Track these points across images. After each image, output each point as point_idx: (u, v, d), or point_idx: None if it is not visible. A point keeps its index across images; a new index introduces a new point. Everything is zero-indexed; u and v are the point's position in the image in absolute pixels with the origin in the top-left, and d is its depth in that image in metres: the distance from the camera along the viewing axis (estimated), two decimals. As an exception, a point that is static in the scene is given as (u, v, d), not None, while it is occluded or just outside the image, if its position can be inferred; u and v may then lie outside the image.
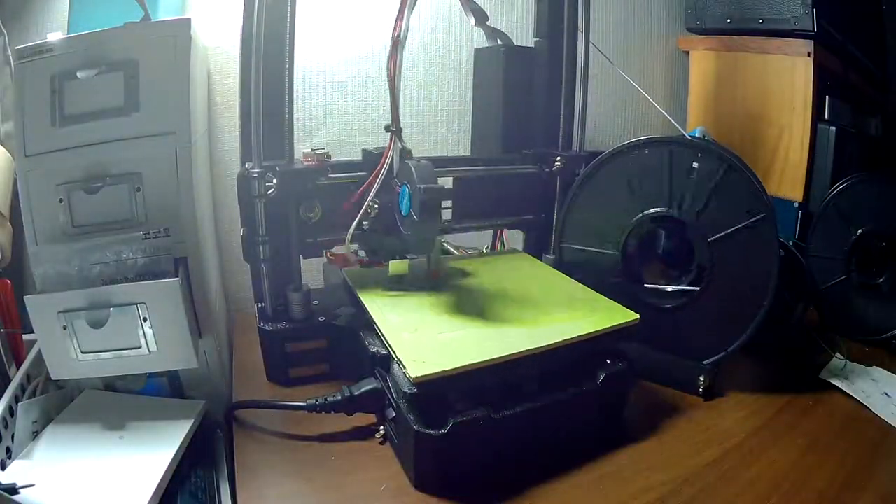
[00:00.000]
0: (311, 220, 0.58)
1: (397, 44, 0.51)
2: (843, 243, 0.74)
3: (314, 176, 0.56)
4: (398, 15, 0.51)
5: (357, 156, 0.81)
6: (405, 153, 0.54)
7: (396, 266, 0.58)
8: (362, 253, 0.61)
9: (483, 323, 0.50)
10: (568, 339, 0.47)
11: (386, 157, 0.54)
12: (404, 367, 0.43)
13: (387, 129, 0.53)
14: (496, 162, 0.70)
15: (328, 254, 0.59)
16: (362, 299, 0.54)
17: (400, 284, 0.57)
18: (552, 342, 0.47)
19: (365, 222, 0.56)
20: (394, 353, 0.45)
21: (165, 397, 0.55)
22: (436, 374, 0.42)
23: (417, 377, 0.41)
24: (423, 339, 0.47)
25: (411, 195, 0.50)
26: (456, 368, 0.42)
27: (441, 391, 0.43)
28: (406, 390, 0.42)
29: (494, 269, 0.64)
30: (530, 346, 0.46)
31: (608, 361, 0.50)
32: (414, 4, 0.51)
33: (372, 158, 0.57)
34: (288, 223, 0.56)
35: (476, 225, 0.69)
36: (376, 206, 0.55)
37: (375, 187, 0.54)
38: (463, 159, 0.75)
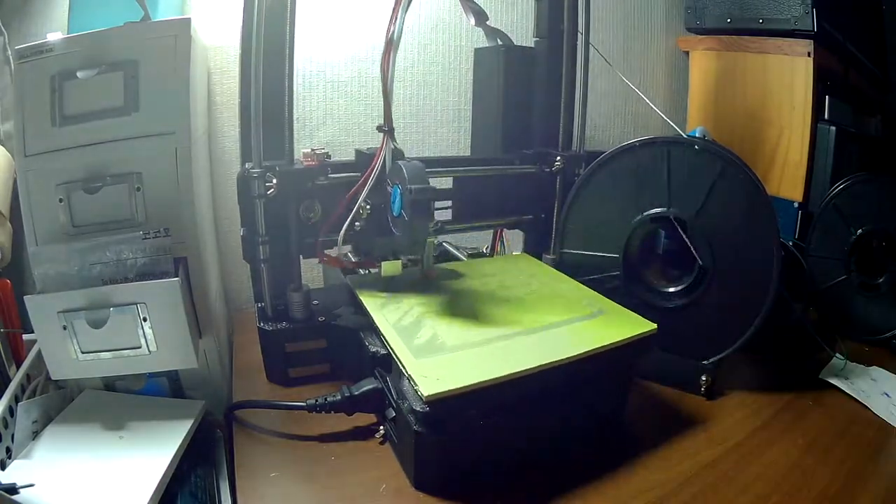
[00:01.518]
0: (310, 219, 0.58)
1: (390, 44, 0.51)
2: (843, 243, 0.74)
3: (314, 176, 0.56)
4: (392, 15, 0.51)
5: (357, 156, 0.80)
6: (397, 153, 0.53)
7: (389, 267, 0.57)
8: (352, 255, 0.61)
9: (495, 333, 0.48)
10: (586, 352, 0.45)
11: (378, 158, 0.54)
12: (416, 385, 0.41)
13: (379, 128, 0.53)
14: (496, 162, 0.70)
15: (321, 255, 0.60)
16: (371, 313, 0.52)
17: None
18: (569, 355, 0.44)
19: (357, 223, 0.55)
20: (404, 368, 0.43)
21: (165, 397, 0.55)
22: (449, 391, 0.40)
23: (430, 395, 0.39)
24: (433, 350, 0.45)
25: (402, 196, 0.50)
26: (469, 386, 0.40)
27: (453, 409, 0.41)
28: (418, 408, 0.41)
29: (498, 271, 0.63)
30: (546, 360, 0.43)
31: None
32: (408, 5, 0.51)
33: (365, 159, 0.57)
34: (288, 223, 0.56)
35: (476, 225, 0.69)
36: (368, 206, 0.54)
37: (367, 188, 0.54)
38: (463, 159, 0.75)
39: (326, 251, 0.58)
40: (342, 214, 0.55)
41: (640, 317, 0.52)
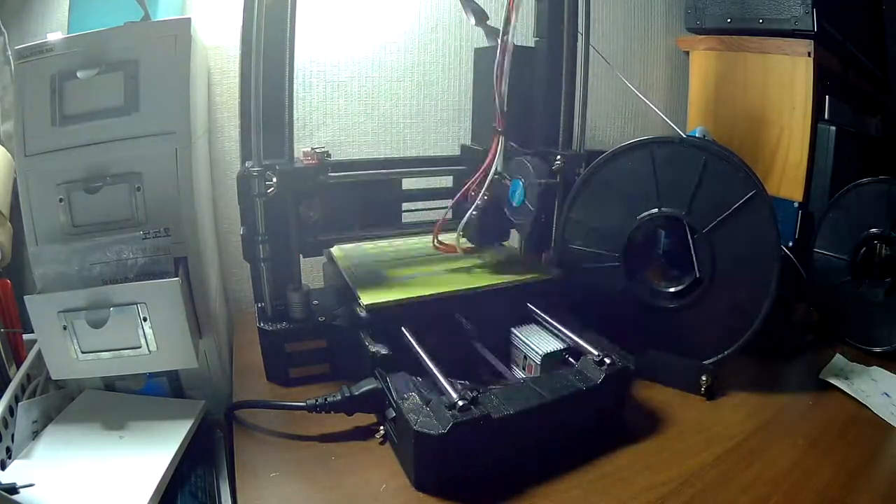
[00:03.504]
0: (310, 219, 0.58)
1: (506, 49, 0.55)
2: (849, 244, 0.73)
3: (314, 175, 0.56)
4: (506, 21, 0.55)
5: (357, 155, 0.82)
6: (512, 150, 0.59)
7: (493, 253, 0.66)
8: (464, 241, 0.66)
9: (430, 278, 0.60)
10: (486, 285, 0.59)
11: (494, 154, 0.59)
12: (359, 300, 0.54)
13: (494, 130, 0.58)
14: (463, 161, 0.69)
15: (436, 242, 0.65)
16: (339, 264, 0.63)
17: (395, 257, 0.67)
18: (472, 286, 0.58)
19: (474, 212, 0.61)
20: (355, 293, 0.56)
21: (165, 397, 0.55)
22: (381, 303, 0.54)
23: (368, 304, 0.53)
24: (378, 283, 0.58)
25: (526, 188, 0.56)
26: (396, 300, 0.54)
27: (388, 319, 0.53)
28: (363, 315, 0.53)
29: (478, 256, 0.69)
30: (452, 287, 0.58)
31: (608, 361, 0.49)
32: (519, 6, 0.54)
33: (473, 154, 0.64)
34: (287, 222, 0.56)
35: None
36: (486, 197, 0.60)
37: (488, 180, 0.59)
38: (462, 158, 0.75)
39: (441, 238, 0.65)
40: (461, 203, 0.63)
41: (549, 271, 0.63)
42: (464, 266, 0.64)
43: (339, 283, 0.62)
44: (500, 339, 0.58)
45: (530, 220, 0.57)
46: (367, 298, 0.54)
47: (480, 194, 0.60)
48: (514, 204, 0.58)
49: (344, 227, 0.64)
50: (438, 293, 0.57)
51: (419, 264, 0.65)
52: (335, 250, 0.68)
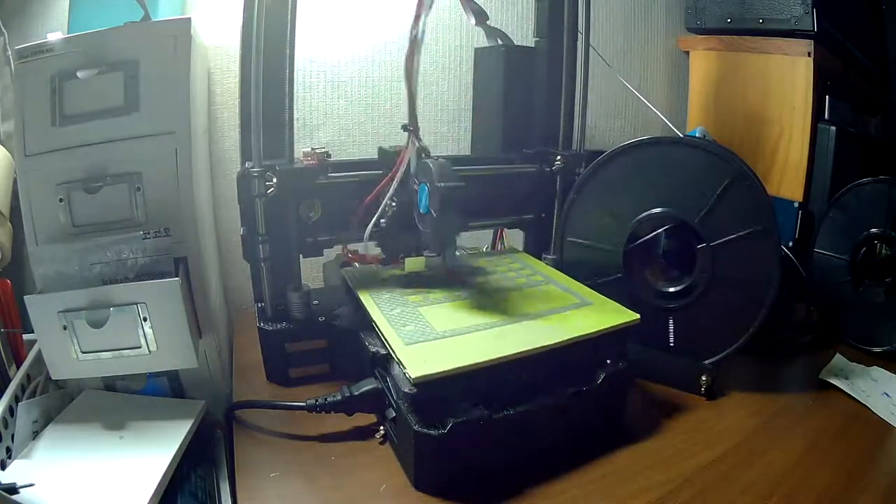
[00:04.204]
0: (310, 219, 0.58)
1: (415, 43, 0.51)
2: (849, 244, 0.73)
3: (314, 175, 0.56)
4: (416, 13, 0.51)
5: (357, 155, 0.81)
6: (422, 152, 0.54)
7: (412, 263, 0.58)
8: (377, 250, 0.62)
9: (483, 321, 0.49)
10: (569, 339, 0.47)
11: (404, 156, 0.54)
12: (404, 368, 0.42)
13: (404, 128, 0.54)
14: (496, 161, 0.70)
15: (346, 251, 0.60)
16: (361, 299, 0.53)
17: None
18: (553, 342, 0.46)
19: (382, 220, 0.56)
20: (393, 352, 0.45)
21: (165, 397, 0.55)
22: (436, 374, 0.42)
23: (418, 377, 0.41)
24: (423, 337, 0.46)
25: (430, 193, 0.50)
26: (456, 369, 0.42)
27: (441, 392, 0.42)
28: (406, 390, 0.42)
29: (495, 267, 0.63)
30: (531, 345, 0.45)
31: (608, 361, 0.49)
32: (431, 4, 0.51)
33: (388, 156, 0.57)
34: (287, 222, 0.56)
35: (476, 224, 0.69)
36: (394, 204, 0.55)
37: (394, 185, 0.55)
38: (463, 159, 0.75)
39: (350, 247, 0.59)
40: (368, 210, 0.56)
41: (623, 307, 0.53)
42: (502, 295, 0.54)
43: (368, 325, 0.51)
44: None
45: (435, 229, 0.50)
46: (415, 368, 0.42)
47: (385, 201, 0.55)
48: (421, 211, 0.52)
49: (344, 228, 0.64)
50: (508, 355, 0.44)
51: (454, 299, 0.54)
52: (346, 273, 0.58)
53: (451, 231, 0.52)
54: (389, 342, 0.46)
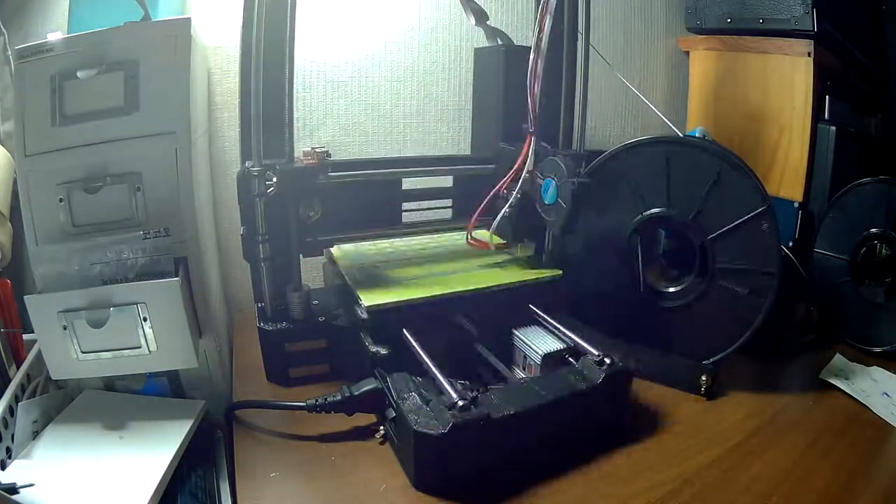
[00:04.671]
0: (311, 218, 0.58)
1: (538, 51, 0.55)
2: (849, 244, 0.73)
3: (314, 174, 0.56)
4: (538, 22, 0.55)
5: (357, 155, 0.81)
6: (542, 150, 0.60)
7: (524, 249, 0.66)
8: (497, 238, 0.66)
9: (429, 276, 0.61)
10: (492, 286, 0.59)
11: (526, 154, 0.60)
12: (360, 300, 0.54)
13: (525, 130, 0.60)
14: (496, 160, 0.69)
15: (469, 238, 0.65)
16: (339, 265, 0.63)
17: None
18: (476, 287, 0.58)
19: (506, 210, 0.62)
20: (356, 294, 0.55)
21: (165, 397, 0.55)
22: (383, 304, 0.53)
23: (369, 306, 0.53)
24: (381, 285, 0.58)
25: (559, 187, 0.56)
26: (397, 301, 0.54)
27: (389, 320, 0.53)
28: (364, 316, 0.53)
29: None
30: (458, 288, 0.57)
31: (608, 361, 0.49)
32: (553, 10, 0.55)
33: (508, 154, 0.64)
34: (288, 222, 0.56)
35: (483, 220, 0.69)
36: (519, 196, 0.61)
37: (522, 179, 0.60)
38: (462, 158, 0.75)
39: (474, 235, 0.65)
40: (489, 204, 0.63)
41: (556, 269, 0.63)
42: (468, 266, 0.64)
43: (340, 284, 0.62)
44: (502, 341, 0.58)
45: (563, 216, 0.57)
46: (368, 299, 0.54)
47: (514, 193, 0.61)
48: (546, 202, 0.59)
49: (344, 227, 0.64)
50: (439, 294, 0.56)
51: (421, 265, 0.64)
52: (335, 250, 0.67)
53: (576, 219, 0.58)
54: (353, 288, 0.56)
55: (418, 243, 0.71)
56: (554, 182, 0.57)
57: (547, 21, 0.55)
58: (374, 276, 0.61)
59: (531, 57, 0.56)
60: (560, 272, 0.62)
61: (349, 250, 0.68)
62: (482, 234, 0.65)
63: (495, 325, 0.58)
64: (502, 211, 0.62)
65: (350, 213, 0.63)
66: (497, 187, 0.62)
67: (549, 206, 0.59)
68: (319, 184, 0.57)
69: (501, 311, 0.59)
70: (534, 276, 0.62)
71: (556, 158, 0.58)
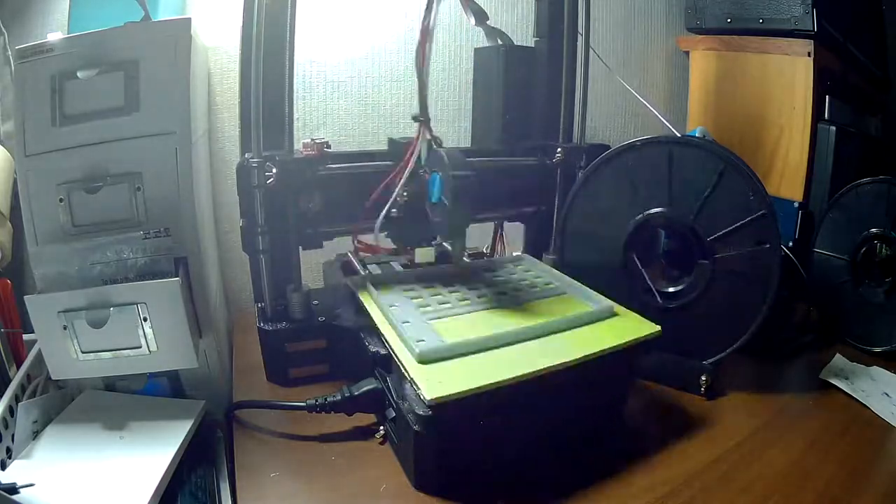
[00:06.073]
0: (310, 210, 0.58)
1: (426, 33, 0.51)
2: (849, 244, 0.73)
3: (314, 165, 0.56)
4: (427, 4, 0.51)
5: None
6: (434, 142, 0.54)
7: (423, 254, 0.59)
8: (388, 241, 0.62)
9: (498, 334, 0.46)
10: (592, 354, 0.45)
11: (415, 147, 0.54)
12: (418, 388, 0.40)
13: (415, 118, 0.54)
14: (496, 154, 0.69)
15: (356, 241, 0.60)
16: (370, 312, 0.51)
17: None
18: (576, 357, 0.44)
19: (394, 210, 0.56)
20: (406, 372, 0.42)
21: (165, 397, 0.55)
22: (451, 395, 0.39)
23: (433, 399, 0.39)
24: (437, 355, 0.43)
25: (443, 183, 0.50)
26: (471, 389, 0.40)
27: (456, 411, 0.40)
28: (421, 412, 0.40)
29: (508, 274, 0.61)
30: (551, 362, 0.43)
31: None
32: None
33: (398, 147, 0.57)
34: (287, 213, 0.56)
35: (477, 217, 0.69)
36: (405, 194, 0.55)
37: (405, 175, 0.54)
38: (463, 151, 0.74)
39: (361, 237, 0.59)
40: (377, 202, 0.56)
41: (643, 318, 0.52)
42: (518, 303, 0.53)
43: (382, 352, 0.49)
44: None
45: (445, 218, 0.51)
46: (431, 389, 0.39)
47: (396, 190, 0.55)
48: (432, 200, 0.53)
49: (344, 220, 0.63)
50: (527, 374, 0.42)
51: (471, 309, 0.52)
52: (362, 296, 0.54)
53: (464, 220, 0.52)
54: (401, 359, 0.43)
55: (438, 266, 0.61)
56: (439, 177, 0.51)
57: (435, 2, 0.51)
58: (423, 335, 0.45)
59: (418, 38, 0.51)
60: (659, 329, 0.50)
61: (371, 281, 0.55)
62: (370, 238, 0.59)
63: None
64: (384, 211, 0.55)
65: (350, 205, 0.63)
66: (383, 183, 0.56)
67: (434, 205, 0.53)
68: (319, 175, 0.56)
69: (597, 383, 0.48)
70: (635, 335, 0.48)
71: (439, 150, 0.52)
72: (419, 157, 0.54)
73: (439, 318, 0.50)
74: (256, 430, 0.50)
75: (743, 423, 0.54)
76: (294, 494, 0.44)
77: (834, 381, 0.61)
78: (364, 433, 0.50)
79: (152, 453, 0.46)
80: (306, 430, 0.50)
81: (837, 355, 0.68)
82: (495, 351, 0.45)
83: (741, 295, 0.57)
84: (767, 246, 0.55)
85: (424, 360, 0.43)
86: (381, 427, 0.49)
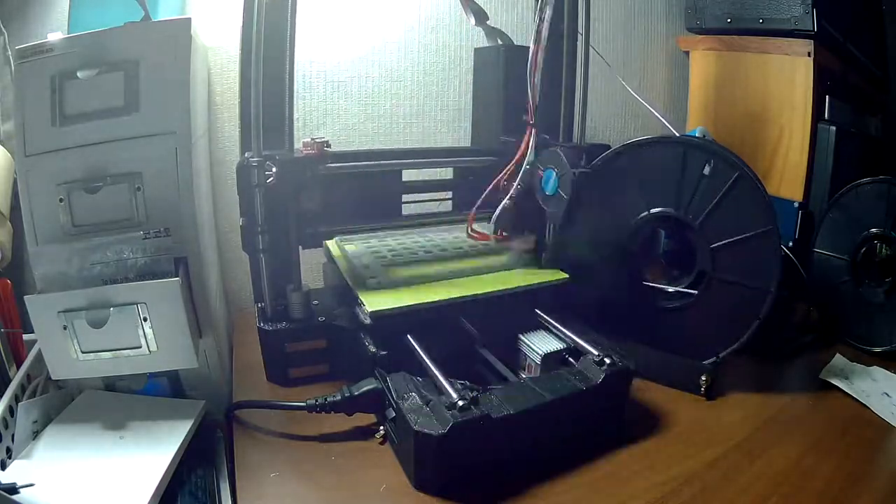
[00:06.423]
0: (310, 209, 0.58)
1: (539, 42, 0.56)
2: (849, 244, 0.73)
3: (314, 164, 0.56)
4: (539, 14, 0.56)
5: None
6: (543, 141, 0.61)
7: (525, 241, 0.66)
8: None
9: (426, 272, 0.60)
10: (497, 290, 0.58)
11: (526, 146, 0.61)
12: (363, 305, 0.53)
13: (526, 122, 0.60)
14: (496, 153, 0.69)
15: (470, 230, 0.66)
16: (338, 264, 0.62)
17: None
18: (483, 291, 0.57)
19: (508, 201, 0.62)
20: (357, 297, 0.55)
21: (165, 397, 0.55)
22: (385, 310, 0.52)
23: (373, 311, 0.52)
24: (384, 286, 0.57)
25: (559, 177, 0.57)
26: (401, 307, 0.53)
27: (393, 325, 0.52)
28: (367, 322, 0.52)
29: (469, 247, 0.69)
30: (462, 293, 0.56)
31: (608, 361, 0.49)
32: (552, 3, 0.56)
33: (510, 147, 0.64)
34: (287, 212, 0.56)
35: (478, 216, 0.69)
36: (520, 187, 0.61)
37: (522, 172, 0.61)
38: (463, 150, 0.75)
39: (475, 227, 0.67)
40: (490, 196, 0.63)
41: (560, 271, 0.62)
42: (471, 266, 0.63)
43: (340, 284, 0.61)
44: (506, 343, 0.58)
45: (563, 208, 0.58)
46: (371, 303, 0.53)
47: (515, 184, 0.61)
48: (548, 193, 0.60)
49: (344, 219, 0.63)
50: (444, 299, 0.55)
51: (423, 263, 0.64)
52: (332, 248, 0.66)
53: (577, 209, 0.59)
54: (356, 291, 0.55)
55: (419, 238, 0.71)
56: (555, 173, 0.58)
57: (547, 11, 0.55)
58: (376, 277, 0.59)
59: (531, 48, 0.56)
60: (566, 276, 0.61)
61: (348, 247, 0.67)
62: (482, 227, 0.65)
63: (499, 329, 0.58)
64: (503, 203, 0.62)
65: (350, 205, 0.63)
66: (496, 179, 0.63)
67: (550, 197, 0.59)
68: (319, 174, 0.56)
69: (506, 315, 0.58)
70: (540, 280, 0.61)
71: (556, 149, 0.58)
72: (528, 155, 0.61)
73: (394, 266, 0.63)
74: (256, 430, 0.50)
75: (743, 423, 0.54)
76: (294, 494, 0.44)
77: (834, 381, 0.61)
78: (364, 433, 0.50)
79: (152, 453, 0.46)
80: (306, 430, 0.50)
81: (837, 355, 0.68)
82: (424, 286, 0.58)
83: (741, 295, 0.57)
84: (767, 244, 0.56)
85: (371, 288, 0.56)
86: (381, 427, 0.49)
